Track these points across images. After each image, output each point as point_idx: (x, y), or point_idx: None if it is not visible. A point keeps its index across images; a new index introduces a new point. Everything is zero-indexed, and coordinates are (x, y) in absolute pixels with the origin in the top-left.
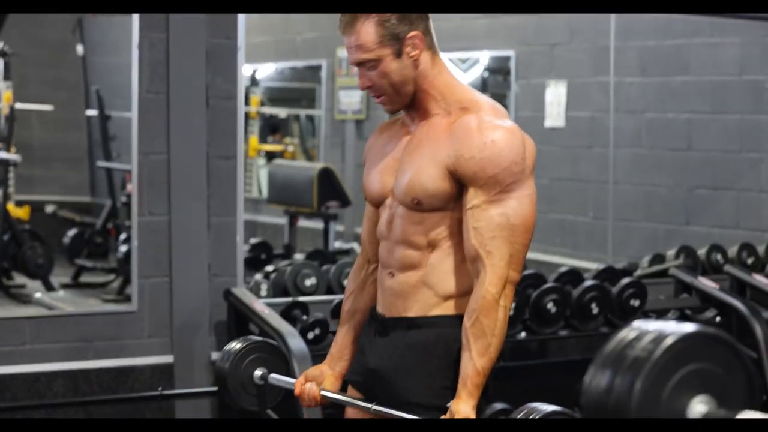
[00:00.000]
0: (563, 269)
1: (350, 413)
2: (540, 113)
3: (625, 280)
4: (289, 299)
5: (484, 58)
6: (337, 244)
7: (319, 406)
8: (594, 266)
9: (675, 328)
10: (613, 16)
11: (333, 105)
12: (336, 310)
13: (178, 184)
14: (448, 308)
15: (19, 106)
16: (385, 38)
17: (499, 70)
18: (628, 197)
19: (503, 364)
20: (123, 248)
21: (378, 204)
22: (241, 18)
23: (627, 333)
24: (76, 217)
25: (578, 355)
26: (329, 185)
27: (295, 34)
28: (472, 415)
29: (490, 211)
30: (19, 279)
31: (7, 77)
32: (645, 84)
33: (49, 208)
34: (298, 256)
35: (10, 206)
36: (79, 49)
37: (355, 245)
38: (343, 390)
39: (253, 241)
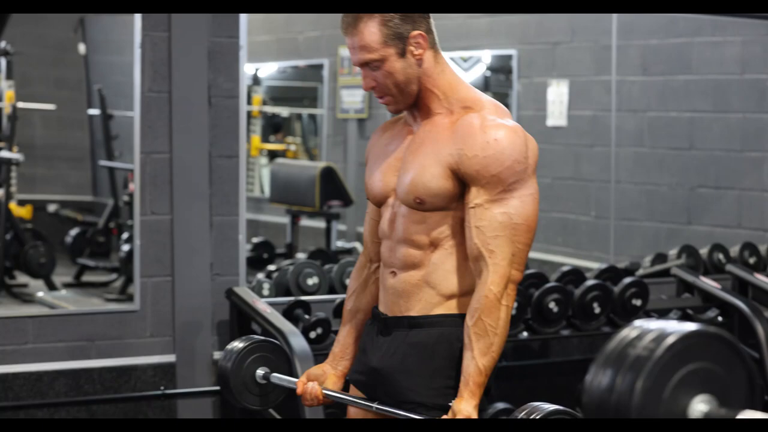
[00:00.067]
0: (565, 269)
1: (352, 413)
2: (542, 112)
3: (627, 280)
4: (291, 298)
5: (486, 56)
6: (339, 244)
7: (321, 405)
8: (596, 266)
9: (676, 328)
10: (614, 15)
11: (335, 104)
12: (338, 310)
13: (180, 183)
14: (450, 307)
15: (21, 105)
16: (388, 38)
17: (501, 69)
18: (630, 196)
19: (505, 363)
20: (125, 247)
21: (380, 203)
22: (243, 17)
23: (628, 332)
24: (78, 217)
25: (580, 354)
26: (331, 184)
27: (297, 33)
28: (474, 415)
29: (492, 210)
30: (22, 278)
31: (9, 76)
32: (647, 83)
33: (52, 208)
34: (300, 256)
35: (13, 205)
36: (81, 48)
37: (357, 244)
38: (345, 389)
39: (255, 240)
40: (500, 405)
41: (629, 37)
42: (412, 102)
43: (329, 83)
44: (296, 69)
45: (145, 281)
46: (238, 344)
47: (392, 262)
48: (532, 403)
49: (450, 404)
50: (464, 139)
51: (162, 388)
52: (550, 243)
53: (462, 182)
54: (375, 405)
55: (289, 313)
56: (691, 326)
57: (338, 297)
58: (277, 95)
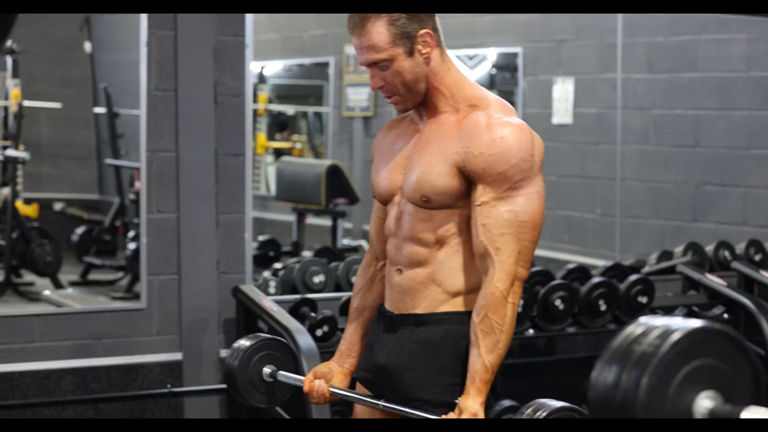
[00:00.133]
0: (571, 266)
1: (359, 410)
2: (547, 110)
3: (633, 277)
4: (298, 296)
5: (491, 54)
6: (346, 242)
7: (328, 403)
8: (602, 263)
9: (681, 324)
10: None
11: (341, 102)
12: (344, 308)
13: (186, 181)
14: (456, 305)
15: (27, 103)
16: (396, 37)
17: (506, 67)
18: (635, 194)
19: (511, 361)
20: (131, 246)
21: (386, 201)
22: (249, 16)
23: (634, 329)
24: (84, 215)
25: (586, 352)
26: (337, 182)
27: (303, 31)
28: (481, 412)
29: (498, 207)
30: (28, 276)
31: (15, 75)
32: (652, 80)
33: (58, 206)
34: (307, 254)
35: (19, 204)
36: (87, 46)
37: (363, 242)
38: (351, 387)
39: (261, 238)
40: (506, 402)
41: (635, 34)
42: (420, 101)
43: (335, 81)
44: (302, 67)
45: (151, 279)
46: (244, 342)
47: (398, 260)
48: (538, 400)
49: (456, 401)
50: (470, 137)
51: (169, 386)
52: (555, 240)
53: (468, 180)
54: (381, 402)
55: (295, 311)
56: (696, 323)
57: (344, 295)
58: (283, 93)
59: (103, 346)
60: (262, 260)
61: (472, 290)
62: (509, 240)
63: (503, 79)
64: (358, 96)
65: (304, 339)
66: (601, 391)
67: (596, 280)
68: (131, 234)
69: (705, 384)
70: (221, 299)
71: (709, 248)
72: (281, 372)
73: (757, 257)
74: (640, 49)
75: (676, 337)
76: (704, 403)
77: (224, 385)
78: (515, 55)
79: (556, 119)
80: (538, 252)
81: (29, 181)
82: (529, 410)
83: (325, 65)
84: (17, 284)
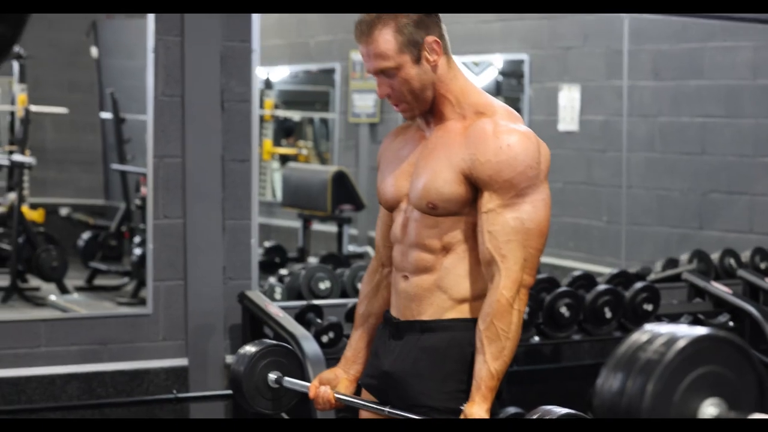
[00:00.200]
0: (576, 273)
1: (364, 416)
2: (553, 117)
3: (639, 285)
4: (304, 303)
5: (497, 61)
6: (351, 248)
7: (333, 409)
8: (607, 270)
9: (686, 331)
10: (626, 19)
11: (347, 108)
12: (350, 314)
13: (192, 187)
14: (462, 311)
15: (33, 108)
16: (404, 45)
17: (512, 74)
18: (641, 201)
19: (516, 368)
20: (137, 251)
21: (392, 208)
22: (256, 21)
23: (639, 336)
24: (90, 220)
25: (591, 359)
26: (343, 189)
27: (309, 37)
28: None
29: (504, 215)
30: (34, 282)
31: (22, 80)
32: (659, 88)
33: (64, 211)
34: (312, 260)
35: (25, 209)
36: (94, 51)
37: (369, 249)
38: (357, 393)
39: (267, 244)
40: (511, 409)
41: (641, 42)
42: (427, 108)
43: (341, 87)
44: (308, 73)
45: (157, 285)
46: (250, 348)
47: (404, 267)
48: (543, 407)
49: (462, 408)
50: (477, 144)
51: (174, 391)
52: (561, 248)
53: (474, 187)
54: (387, 409)
55: (301, 317)
56: (701, 330)
57: (350, 301)
58: (289, 99)
59: (109, 351)
60: (268, 266)
61: (477, 297)
62: (515, 247)
63: (509, 86)
64: (365, 102)
65: (310, 345)
66: (606, 398)
67: (602, 287)
68: (137, 239)
69: (710, 391)
70: (227, 305)
71: (715, 256)
72: (287, 378)
73: (763, 265)
74: (646, 57)
75: (681, 344)
76: (709, 410)
77: (230, 391)
78: (521, 62)
79: (562, 126)
80: (544, 259)
81: (35, 186)
82: (535, 417)
83: (332, 71)
84: (23, 289)
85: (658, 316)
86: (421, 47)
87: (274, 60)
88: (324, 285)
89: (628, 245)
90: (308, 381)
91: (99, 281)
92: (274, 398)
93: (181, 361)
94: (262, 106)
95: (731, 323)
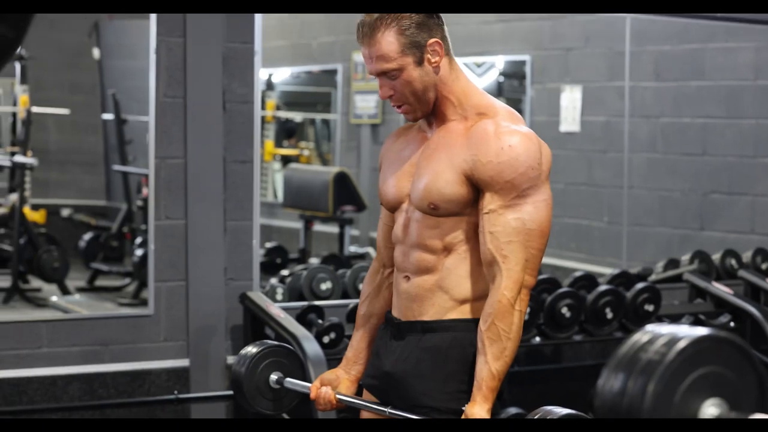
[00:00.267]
0: (578, 274)
1: (365, 417)
2: (555, 118)
3: (640, 285)
4: (305, 303)
5: (499, 62)
6: (353, 249)
7: (335, 410)
8: (608, 271)
9: (688, 332)
10: (628, 21)
11: (348, 109)
12: (351, 315)
13: (194, 188)
14: (463, 312)
15: (35, 109)
16: (406, 47)
17: (514, 75)
18: (642, 202)
19: (518, 368)
20: (138, 252)
21: (394, 208)
22: (258, 22)
23: (640, 336)
24: (91, 221)
25: (592, 360)
26: (345, 189)
27: (311, 38)
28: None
29: (506, 215)
30: (35, 282)
31: (23, 81)
32: (660, 89)
33: (65, 212)
34: (314, 261)
35: (27, 210)
36: (96, 52)
37: (370, 249)
38: (358, 394)
39: (268, 245)
40: (513, 410)
41: (642, 43)
42: (429, 110)
43: (343, 88)
44: (310, 74)
45: (159, 286)
46: (251, 349)
47: (406, 267)
48: (544, 408)
49: (463, 408)
50: (478, 145)
51: (175, 392)
52: (562, 248)
53: (476, 188)
54: (388, 409)
55: (302, 317)
56: (702, 330)
57: (351, 302)
58: (291, 100)
59: (110, 352)
60: (270, 267)
61: (479, 298)
62: (516, 248)
63: (511, 87)
64: (366, 103)
65: (311, 346)
66: (607, 399)
67: (603, 288)
68: (138, 240)
69: (711, 391)
70: (228, 306)
71: (716, 257)
72: (288, 379)
73: (764, 266)
74: (647, 58)
75: (682, 344)
76: (710, 410)
77: (231, 392)
78: (523, 62)
79: (563, 127)
80: (545, 260)
81: (37, 187)
82: (536, 417)
83: (334, 72)
84: (24, 290)
85: (659, 317)
86: (424, 49)
87: (276, 61)
88: (325, 286)
89: (629, 246)
90: (309, 382)
91: (100, 282)
92: (276, 399)
93: (183, 362)
94: (263, 107)
95: (732, 324)
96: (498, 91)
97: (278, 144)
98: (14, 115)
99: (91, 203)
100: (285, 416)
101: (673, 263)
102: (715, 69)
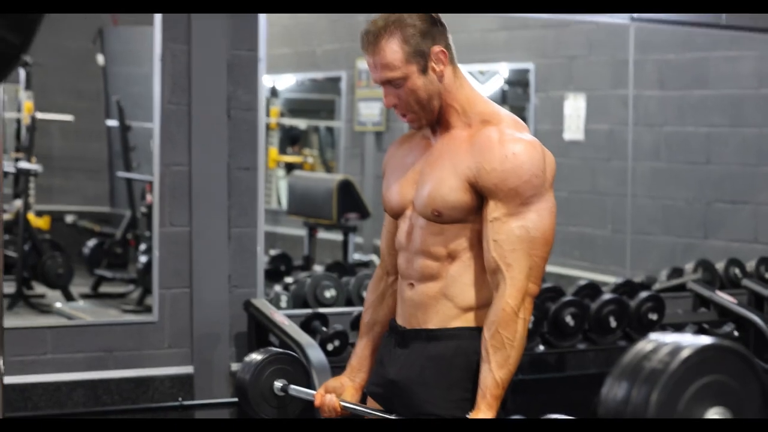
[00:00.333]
0: (582, 282)
1: None
2: (559, 126)
3: (644, 294)
4: (309, 311)
5: (503, 70)
6: (357, 256)
7: (339, 417)
8: (612, 280)
9: (691, 341)
10: (632, 29)
11: (352, 116)
12: (355, 322)
13: (199, 195)
14: (467, 320)
15: (39, 116)
16: (410, 55)
17: (518, 83)
18: (646, 211)
19: (521, 377)
20: (143, 259)
21: (397, 215)
22: (263, 30)
23: (644, 345)
24: (95, 228)
25: (596, 368)
26: (349, 197)
27: (315, 45)
28: None
29: (510, 223)
30: (39, 289)
31: (28, 87)
32: (664, 97)
33: (69, 218)
34: (318, 268)
35: (31, 216)
36: (100, 59)
37: (374, 257)
38: (362, 401)
39: (272, 252)
40: (516, 418)
41: (646, 51)
42: (434, 118)
43: (347, 96)
44: (314, 81)
45: (163, 293)
46: (256, 356)
47: (410, 274)
48: (548, 416)
49: (467, 417)
50: (482, 152)
51: (180, 399)
52: (566, 257)
53: (480, 195)
54: (392, 417)
55: (306, 325)
56: (705, 340)
57: (355, 309)
58: (295, 107)
59: (114, 358)
60: (274, 274)
61: (483, 306)
62: (520, 256)
63: (515, 95)
64: (370, 111)
65: (315, 353)
66: (611, 407)
67: (607, 296)
68: (142, 247)
69: (714, 400)
70: (233, 313)
71: (720, 265)
72: (293, 386)
73: None
74: (651, 66)
75: (685, 353)
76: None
77: (235, 399)
78: (527, 71)
79: (567, 135)
80: (549, 268)
81: (41, 194)
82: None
83: (338, 80)
84: (28, 296)
85: (663, 326)
86: (428, 57)
87: (280, 68)
88: (329, 293)
89: (633, 254)
90: (314, 389)
91: (104, 288)
92: (280, 406)
93: (187, 369)
94: (267, 114)
95: (736, 333)
96: (502, 99)
97: (282, 151)
98: (18, 121)
99: (95, 210)
100: None
101: (676, 272)
102: (718, 78)
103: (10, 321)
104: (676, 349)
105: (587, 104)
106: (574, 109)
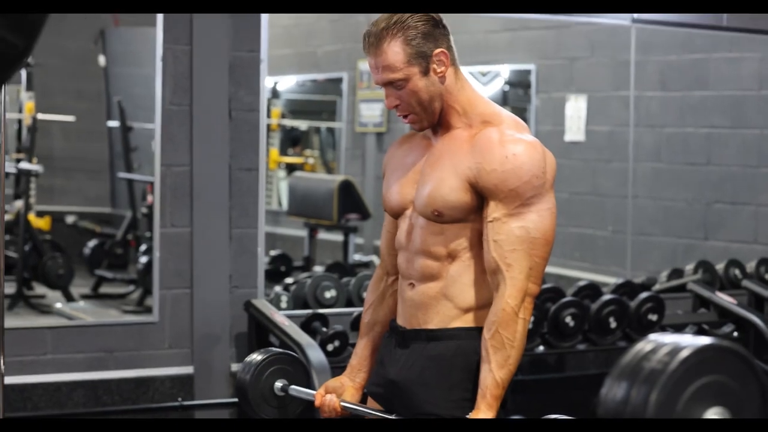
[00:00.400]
0: (582, 283)
1: None
2: (560, 127)
3: (644, 295)
4: (309, 311)
5: (504, 71)
6: (357, 257)
7: (339, 417)
8: (612, 280)
9: (690, 341)
10: (633, 30)
11: (353, 117)
12: (355, 323)
13: (200, 195)
14: (467, 320)
15: (41, 116)
16: (412, 57)
17: (519, 84)
18: (647, 211)
19: (521, 377)
20: (143, 259)
21: (397, 215)
22: (264, 31)
23: (643, 345)
24: (96, 228)
25: (596, 369)
26: (349, 198)
27: (317, 46)
28: None
29: (510, 224)
30: (40, 289)
31: (29, 88)
32: (665, 98)
33: (70, 219)
34: (318, 269)
35: (32, 216)
36: (101, 59)
37: (374, 258)
38: (362, 401)
39: (273, 253)
40: (516, 418)
41: (647, 52)
42: (435, 120)
43: (348, 97)
44: (315, 82)
45: (164, 293)
46: (256, 356)
47: (410, 274)
48: (549, 416)
49: (468, 417)
50: (483, 153)
51: (180, 399)
52: (567, 257)
53: (480, 195)
54: (393, 417)
55: (306, 325)
56: (705, 340)
57: (356, 310)
58: (296, 108)
59: (114, 359)
60: (274, 275)
61: (483, 306)
62: (520, 256)
63: (516, 96)
64: (371, 111)
65: (316, 354)
66: (610, 408)
67: (607, 297)
68: (143, 248)
69: (713, 401)
70: (233, 313)
71: (720, 266)
72: (293, 386)
73: None
74: (652, 67)
75: (685, 354)
76: None
77: (235, 399)
78: (528, 72)
79: (568, 136)
80: (549, 269)
81: (42, 194)
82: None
83: (339, 81)
84: (29, 297)
85: (663, 327)
86: (430, 59)
87: (282, 69)
88: (330, 294)
89: (633, 255)
90: (314, 389)
91: (105, 289)
92: (280, 406)
93: (187, 369)
94: (269, 115)
95: (736, 333)
96: (503, 100)
97: (283, 152)
98: (20, 121)
99: (96, 210)
100: None
101: (677, 273)
102: (719, 79)
103: (11, 321)
104: (676, 350)
105: (588, 105)
106: (575, 110)
